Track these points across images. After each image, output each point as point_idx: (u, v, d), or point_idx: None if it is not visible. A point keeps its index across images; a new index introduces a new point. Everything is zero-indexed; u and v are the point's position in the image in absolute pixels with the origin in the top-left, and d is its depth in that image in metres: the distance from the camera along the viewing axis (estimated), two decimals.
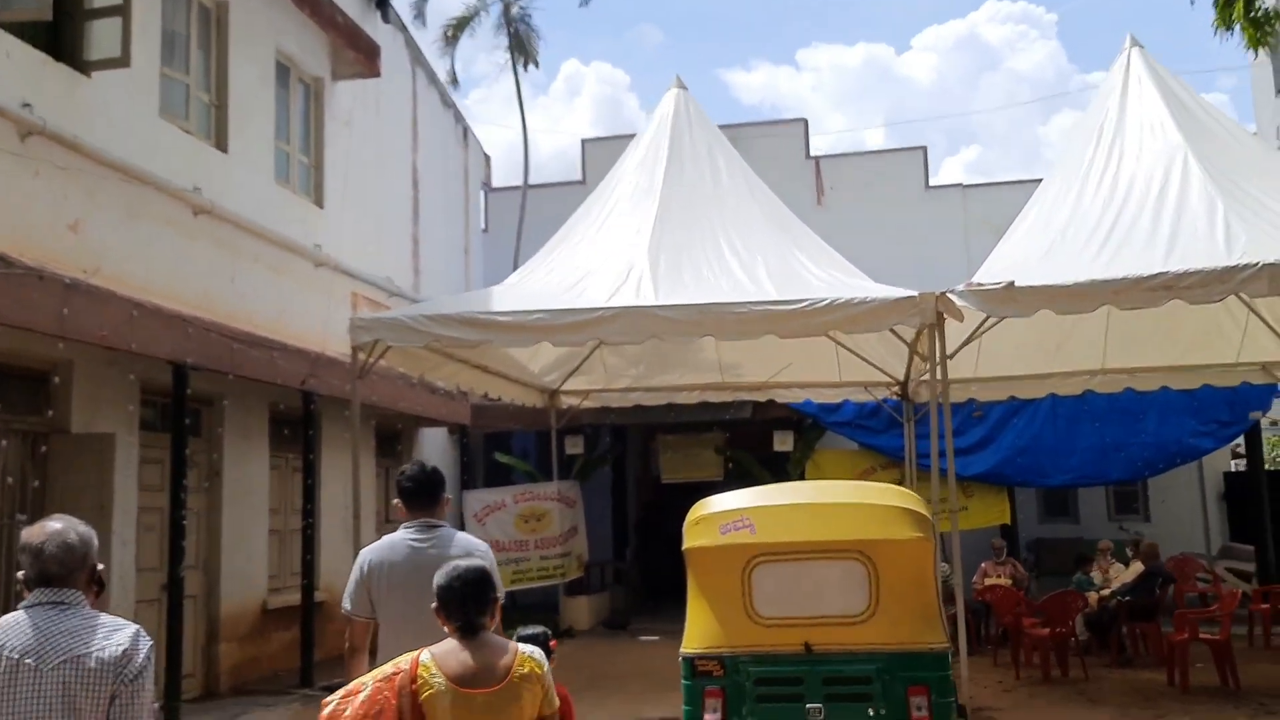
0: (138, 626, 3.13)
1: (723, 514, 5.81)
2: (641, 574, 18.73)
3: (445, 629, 3.35)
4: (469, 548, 4.50)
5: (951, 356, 9.11)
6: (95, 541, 3.20)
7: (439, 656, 3.24)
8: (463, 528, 14.66)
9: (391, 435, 15.02)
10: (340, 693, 3.25)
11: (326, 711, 3.23)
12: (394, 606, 4.41)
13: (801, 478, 15.07)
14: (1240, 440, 16.09)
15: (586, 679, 9.81)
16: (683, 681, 5.66)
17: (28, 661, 2.93)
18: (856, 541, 5.55)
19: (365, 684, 3.23)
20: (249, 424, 11.42)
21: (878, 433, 15.34)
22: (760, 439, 16.22)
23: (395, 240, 15.25)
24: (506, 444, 17.89)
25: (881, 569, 5.49)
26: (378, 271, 14.24)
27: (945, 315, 8.83)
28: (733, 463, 16.42)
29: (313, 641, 11.11)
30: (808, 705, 5.45)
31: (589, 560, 15.70)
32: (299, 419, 11.74)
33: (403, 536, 4.57)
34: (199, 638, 10.47)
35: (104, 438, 8.59)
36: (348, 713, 3.17)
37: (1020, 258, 9.95)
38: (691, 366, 14.31)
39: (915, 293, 8.90)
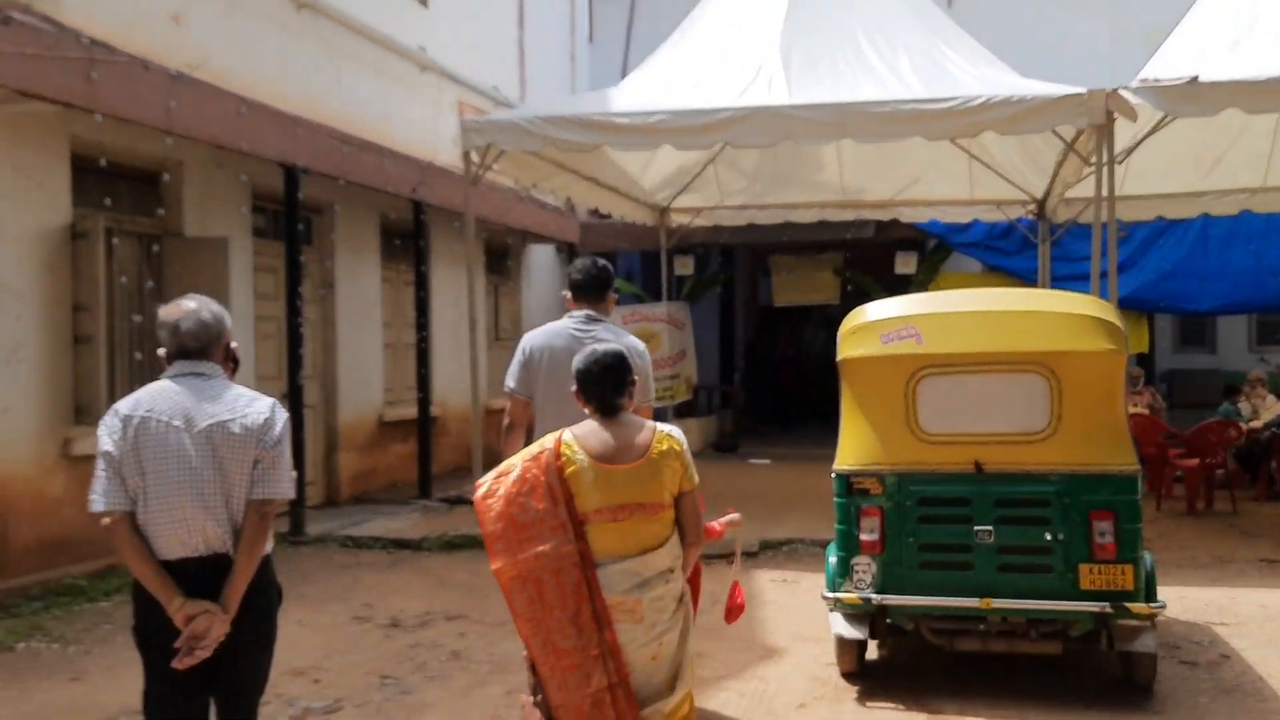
0: (274, 399, 3.33)
1: (885, 322, 5.28)
2: (748, 398, 18.46)
3: (585, 410, 3.44)
4: (631, 345, 4.57)
5: (1120, 161, 8.27)
6: (228, 320, 3.37)
7: (580, 436, 3.35)
8: None
9: (500, 252, 14.68)
10: (493, 473, 3.37)
11: (481, 491, 3.34)
12: (551, 389, 4.56)
13: None
14: None
15: (703, 500, 9.60)
16: (836, 499, 5.26)
17: (176, 424, 3.13)
18: (1039, 353, 4.98)
19: (515, 464, 3.34)
20: (360, 234, 11.13)
21: (1009, 254, 14.47)
22: (880, 261, 15.48)
23: (500, 46, 14.51)
24: (613, 263, 17.45)
25: (1066, 383, 4.93)
26: (484, 79, 13.59)
27: (1115, 115, 7.95)
28: (850, 285, 15.75)
29: (429, 454, 11.07)
30: (976, 528, 5.02)
31: (697, 383, 15.41)
32: (408, 230, 11.43)
33: (566, 325, 4.73)
34: (319, 447, 10.48)
35: (217, 241, 8.34)
36: (501, 491, 3.29)
37: (1198, 53, 8.85)
38: (810, 185, 13.58)
39: (1083, 89, 8.01)
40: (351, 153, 9.47)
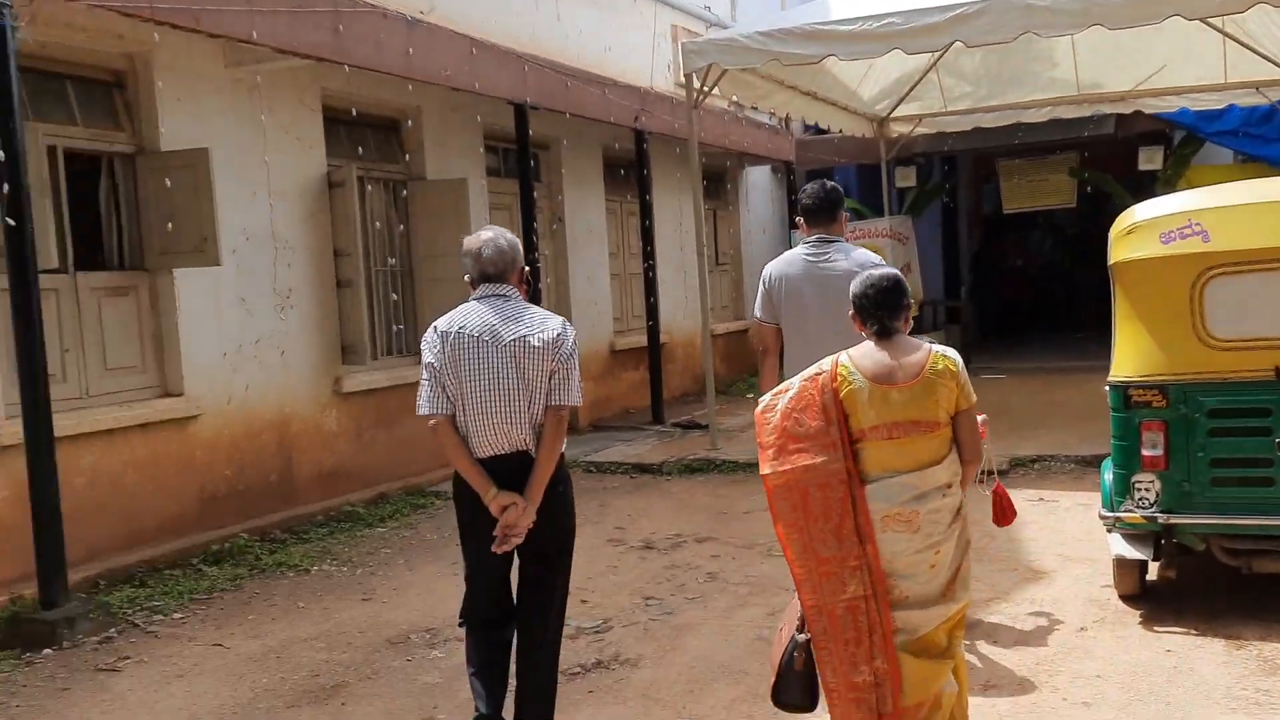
0: (563, 318, 3.69)
1: (1164, 219, 4.88)
2: (976, 312, 17.77)
3: (862, 333, 3.50)
4: (862, 261, 4.72)
5: None
6: (520, 247, 3.74)
7: (856, 358, 3.41)
8: None
9: (717, 176, 14.59)
10: (772, 392, 3.51)
11: (761, 406, 3.48)
12: (791, 315, 4.86)
13: None
14: None
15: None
16: (1113, 413, 4.96)
17: (485, 338, 3.53)
18: None
19: (793, 384, 3.45)
20: (584, 167, 11.31)
21: (1270, 141, 13.12)
22: (1121, 158, 14.43)
23: None
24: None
25: None
26: (695, 2, 13.41)
27: None
28: (1089, 186, 14.76)
29: (661, 381, 11.23)
30: (1277, 440, 4.63)
31: (922, 299, 14.91)
32: (628, 161, 11.51)
33: (800, 252, 4.92)
34: None
35: (458, 183, 8.63)
36: (779, 406, 3.41)
37: None
38: (1042, 83, 12.74)
39: None
40: (576, 86, 9.56)
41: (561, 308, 10.89)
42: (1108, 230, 5.14)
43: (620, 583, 6.04)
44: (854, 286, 3.52)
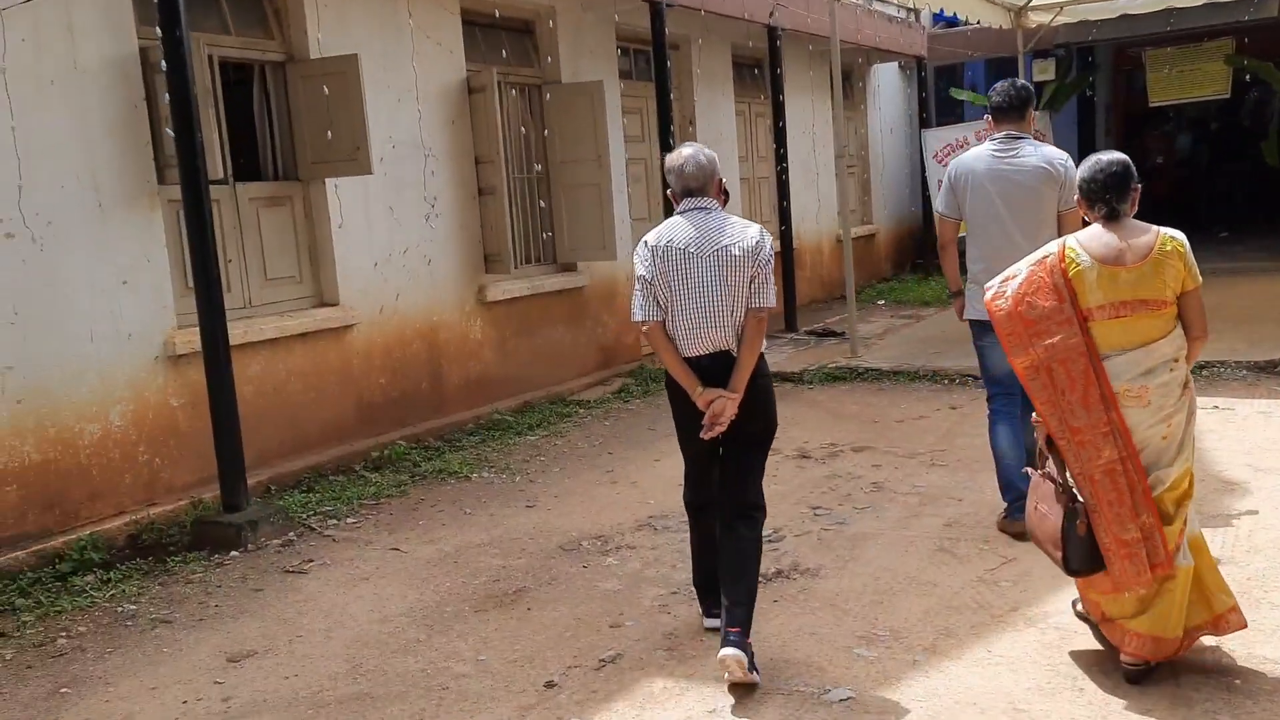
0: (760, 225, 3.87)
1: None
2: None
3: (1088, 218, 3.60)
4: (1051, 157, 4.89)
5: None
6: (718, 161, 3.94)
7: (1083, 241, 3.52)
8: (923, 169, 13.77)
9: (845, 73, 13.97)
10: (999, 278, 3.66)
11: (990, 294, 3.64)
12: (976, 210, 4.99)
13: None
14: None
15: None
16: None
17: (691, 250, 3.78)
18: None
19: (1020, 270, 3.59)
20: (714, 69, 10.96)
21: None
22: None
23: None
24: (958, 77, 16.33)
25: None
26: None
27: None
28: (1247, 74, 13.80)
29: (794, 288, 11.00)
30: None
31: None
32: (756, 60, 11.12)
33: (987, 148, 5.03)
34: None
35: (594, 86, 8.40)
36: (1008, 293, 3.57)
37: None
38: None
39: None
40: None
41: None
42: (1252, 125, 4.82)
43: (783, 492, 5.93)
44: (1081, 171, 3.59)
